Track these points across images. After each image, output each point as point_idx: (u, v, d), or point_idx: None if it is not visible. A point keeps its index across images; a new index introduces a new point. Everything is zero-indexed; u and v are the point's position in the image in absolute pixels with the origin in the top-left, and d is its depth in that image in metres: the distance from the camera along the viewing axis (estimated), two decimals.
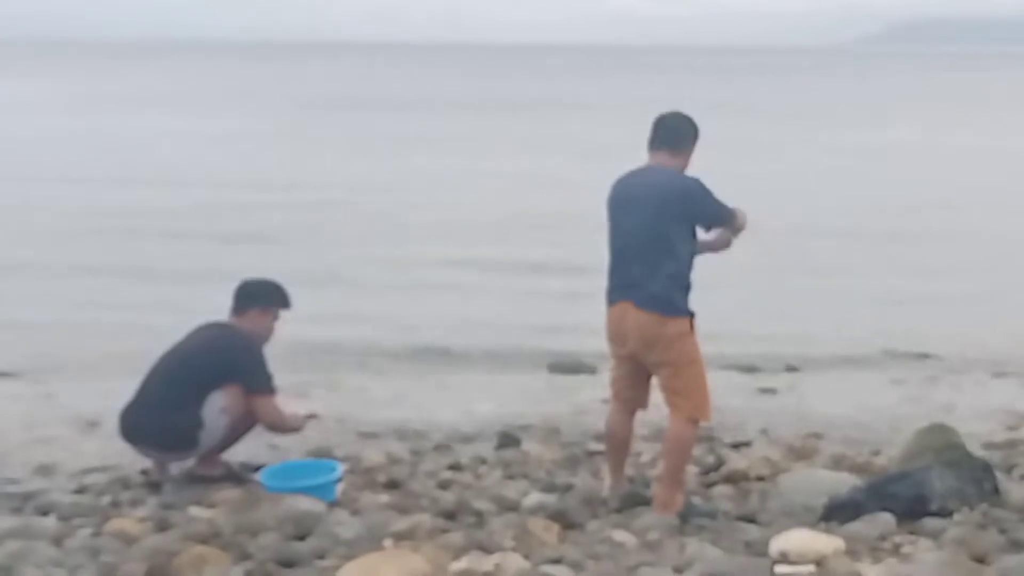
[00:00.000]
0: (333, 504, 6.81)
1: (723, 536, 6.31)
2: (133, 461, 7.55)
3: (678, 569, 5.72)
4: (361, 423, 9.00)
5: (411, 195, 22.53)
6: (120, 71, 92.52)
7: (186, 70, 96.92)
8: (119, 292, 13.87)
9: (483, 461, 8.09)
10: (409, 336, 11.72)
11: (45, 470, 7.81)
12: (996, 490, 6.75)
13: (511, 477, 7.66)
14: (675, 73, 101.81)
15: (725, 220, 6.75)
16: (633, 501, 6.88)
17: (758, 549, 6.02)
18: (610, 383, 7.07)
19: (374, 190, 23.03)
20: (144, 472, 7.52)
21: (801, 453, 8.21)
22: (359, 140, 34.77)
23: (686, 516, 6.61)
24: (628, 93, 50.89)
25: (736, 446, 8.49)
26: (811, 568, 5.72)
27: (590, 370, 10.37)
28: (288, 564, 5.85)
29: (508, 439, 8.52)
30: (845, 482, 7.02)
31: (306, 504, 6.56)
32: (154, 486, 7.33)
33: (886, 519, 6.38)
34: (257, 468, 7.34)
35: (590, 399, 9.42)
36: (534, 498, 7.00)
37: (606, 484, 7.07)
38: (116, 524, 6.47)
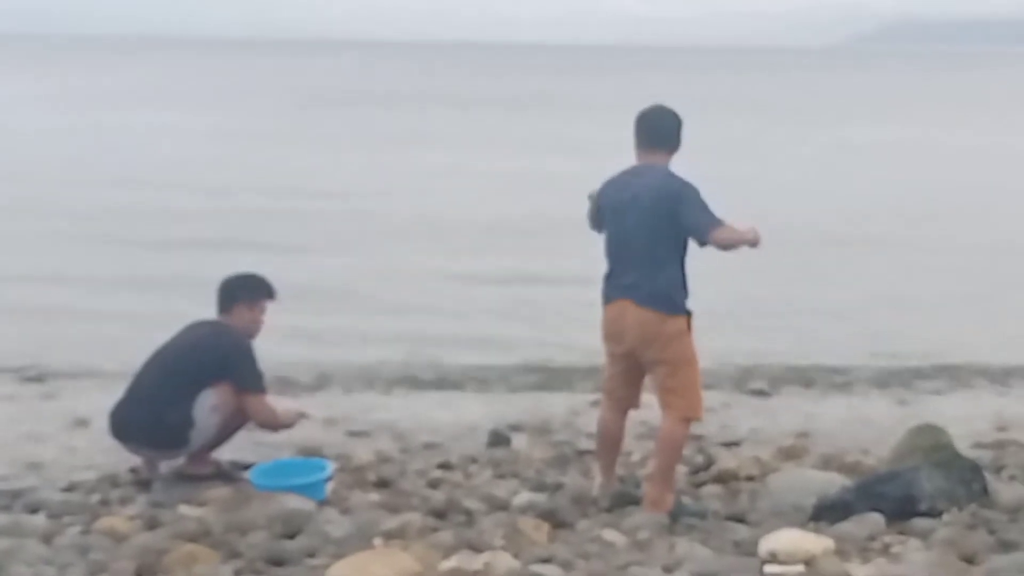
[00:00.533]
0: (323, 503, 6.81)
1: (712, 536, 6.32)
2: (123, 459, 7.54)
3: (668, 568, 5.72)
4: (351, 422, 9.00)
5: (403, 195, 22.45)
6: (114, 67, 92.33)
7: (181, 67, 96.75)
8: (109, 291, 13.83)
9: (473, 460, 8.09)
10: (400, 340, 11.67)
11: (35, 468, 7.80)
12: (985, 490, 6.76)
13: (501, 476, 7.67)
14: (670, 72, 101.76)
15: (701, 230, 6.52)
16: (623, 500, 6.89)
17: (747, 549, 6.03)
18: (602, 382, 7.07)
19: (366, 190, 22.95)
20: (134, 470, 7.51)
21: (790, 453, 8.22)
22: (353, 138, 34.72)
23: (676, 515, 6.61)
24: (624, 92, 50.83)
25: (726, 446, 8.51)
26: (800, 568, 5.73)
27: (581, 370, 10.36)
28: (278, 563, 5.84)
29: (498, 438, 8.52)
30: (834, 482, 7.03)
31: (296, 503, 6.56)
32: (144, 484, 7.32)
33: (875, 519, 6.39)
34: (247, 466, 7.33)
35: (580, 399, 9.43)
36: (524, 497, 7.00)
37: (596, 483, 7.07)
38: (106, 522, 6.47)
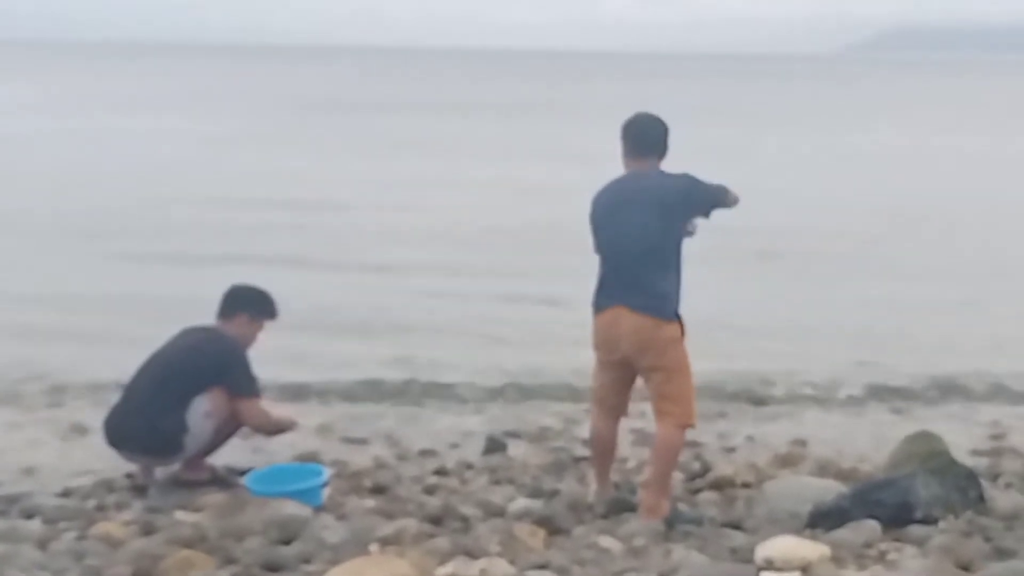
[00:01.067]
0: (319, 509, 6.80)
1: (709, 542, 6.31)
2: (118, 465, 7.53)
3: (664, 575, 5.72)
4: (347, 429, 8.99)
5: (397, 202, 22.43)
6: (109, 73, 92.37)
7: (179, 72, 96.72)
8: (103, 296, 13.81)
9: (469, 466, 8.10)
10: (393, 349, 11.67)
11: (30, 473, 7.80)
12: (981, 498, 6.76)
13: (497, 482, 7.67)
14: (667, 79, 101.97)
15: (721, 201, 6.70)
16: (619, 507, 6.89)
17: (744, 555, 6.02)
18: (592, 390, 7.04)
19: (358, 197, 22.91)
20: (129, 476, 7.51)
21: (787, 460, 8.22)
22: (348, 143, 34.69)
23: (672, 522, 6.61)
24: (618, 98, 50.91)
25: (722, 452, 8.51)
26: (796, 575, 5.72)
27: (575, 378, 10.35)
28: (274, 568, 5.83)
29: (494, 444, 8.52)
30: (831, 489, 7.02)
31: (292, 508, 6.55)
32: (139, 490, 7.32)
33: (871, 526, 6.38)
34: (243, 472, 7.33)
35: (576, 406, 9.43)
36: (520, 503, 7.00)
37: (592, 490, 7.08)
38: (101, 528, 6.46)
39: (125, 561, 5.85)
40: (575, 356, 10.09)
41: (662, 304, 6.61)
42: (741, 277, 14.16)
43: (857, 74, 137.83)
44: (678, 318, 6.66)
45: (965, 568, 5.85)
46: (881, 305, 14.06)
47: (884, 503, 6.55)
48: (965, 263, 17.15)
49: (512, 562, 5.81)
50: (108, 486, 7.42)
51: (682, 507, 6.92)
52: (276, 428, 7.53)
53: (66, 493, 7.36)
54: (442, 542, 6.09)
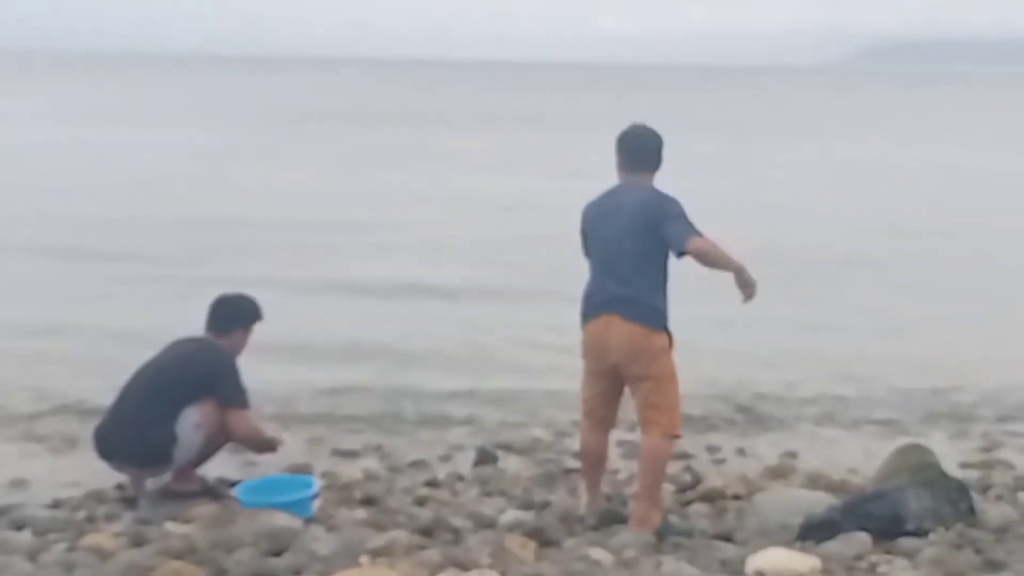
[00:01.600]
0: (310, 520, 6.79)
1: (699, 554, 6.31)
2: (109, 476, 7.52)
3: None
4: (337, 441, 8.98)
5: (384, 214, 22.42)
6: (101, 84, 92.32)
7: (170, 83, 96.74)
8: (95, 307, 13.80)
9: (460, 478, 8.09)
10: (383, 359, 11.66)
11: (20, 484, 7.78)
12: (972, 510, 6.77)
13: (488, 494, 7.67)
14: (660, 91, 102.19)
15: (674, 239, 6.45)
16: (610, 519, 6.89)
17: (734, 567, 6.03)
18: (582, 402, 7.03)
19: (346, 209, 22.90)
20: (119, 487, 7.49)
21: (777, 472, 8.23)
22: (339, 155, 34.66)
23: (663, 534, 6.60)
24: (612, 111, 51.00)
25: (713, 464, 8.52)
26: None
27: (566, 389, 10.36)
28: None
29: (485, 456, 8.52)
30: (821, 501, 7.03)
31: (282, 520, 6.54)
32: (129, 501, 7.30)
33: (862, 538, 6.39)
34: (234, 483, 7.32)
35: (566, 417, 9.43)
36: (511, 515, 7.00)
37: (583, 501, 7.08)
38: (91, 539, 6.45)
39: (115, 573, 5.84)
40: (565, 368, 10.10)
41: (653, 315, 6.61)
42: (730, 289, 14.13)
43: (850, 86, 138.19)
44: (667, 329, 6.67)
45: None
46: (872, 318, 14.08)
47: (875, 515, 6.56)
48: (957, 277, 17.16)
49: (503, 574, 5.82)
50: (98, 497, 7.41)
51: (673, 519, 6.92)
52: (264, 443, 7.52)
53: (56, 504, 7.34)
54: (433, 554, 6.08)
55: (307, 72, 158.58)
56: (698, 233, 6.45)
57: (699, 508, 7.35)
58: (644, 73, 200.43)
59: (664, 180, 6.79)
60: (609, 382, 6.80)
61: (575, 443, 8.08)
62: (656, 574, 5.94)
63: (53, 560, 6.15)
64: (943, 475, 6.96)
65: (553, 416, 9.74)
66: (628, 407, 6.94)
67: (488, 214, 22.78)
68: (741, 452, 8.93)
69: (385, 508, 7.22)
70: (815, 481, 7.88)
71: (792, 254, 18.16)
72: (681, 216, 6.52)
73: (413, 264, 17.33)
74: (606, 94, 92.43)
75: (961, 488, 6.87)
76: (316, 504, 7.02)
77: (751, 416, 10.04)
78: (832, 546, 6.31)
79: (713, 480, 7.82)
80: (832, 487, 7.66)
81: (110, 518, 7.02)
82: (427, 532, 6.64)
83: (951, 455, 8.35)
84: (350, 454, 8.66)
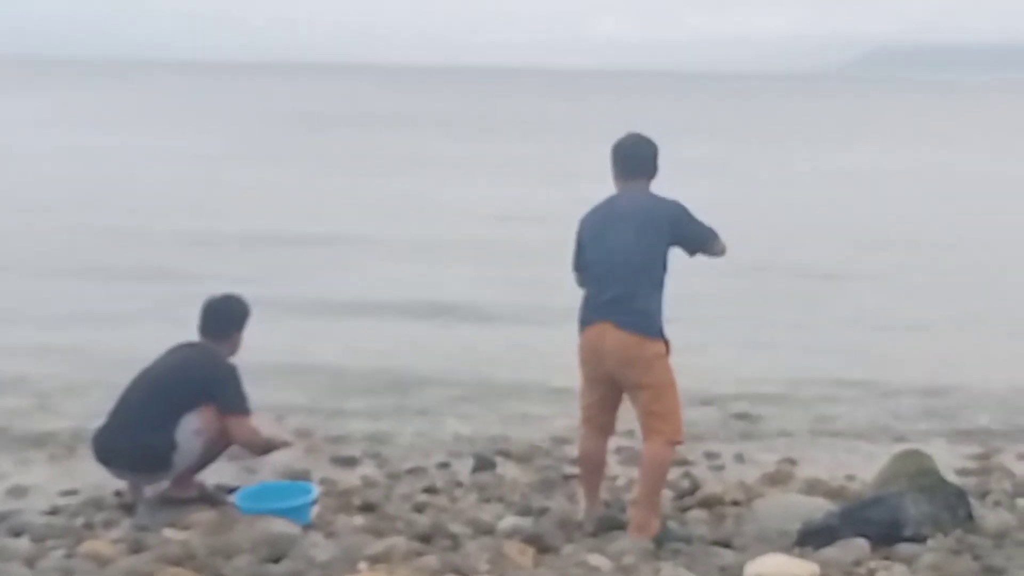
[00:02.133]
0: (308, 526, 6.78)
1: (698, 561, 6.31)
2: (107, 483, 7.52)
3: None
4: (336, 447, 8.98)
5: (381, 218, 22.41)
6: (101, 90, 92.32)
7: (169, 90, 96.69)
8: (93, 312, 13.79)
9: (458, 484, 8.09)
10: (382, 365, 11.65)
11: (18, 491, 7.77)
12: (970, 516, 6.77)
13: (486, 500, 7.67)
14: (657, 98, 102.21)
15: (708, 243, 6.74)
16: (608, 525, 6.88)
17: (733, 573, 6.03)
18: (581, 409, 7.02)
19: (342, 214, 22.87)
20: (118, 494, 7.49)
21: (776, 478, 8.23)
22: (334, 162, 34.65)
23: (661, 540, 6.60)
24: (608, 117, 50.97)
25: (712, 471, 8.52)
26: None
27: (563, 396, 10.35)
28: None
29: (484, 462, 8.52)
30: (820, 507, 7.03)
31: (281, 526, 6.54)
32: (128, 508, 7.29)
33: (860, 544, 6.39)
34: (232, 490, 7.31)
35: (565, 423, 9.43)
36: (509, 521, 7.00)
37: (581, 508, 7.07)
38: (89, 546, 6.44)
39: None
40: (563, 374, 10.10)
41: (648, 322, 6.61)
42: (728, 295, 14.15)
43: (845, 93, 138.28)
44: (663, 336, 6.67)
45: None
46: (869, 323, 14.08)
47: (873, 521, 6.56)
48: (954, 281, 17.18)
49: None
50: (97, 504, 7.40)
51: (671, 525, 6.91)
52: (267, 446, 7.51)
53: (54, 511, 7.34)
54: (431, 560, 6.08)
55: (307, 78, 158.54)
56: (715, 236, 6.72)
57: (698, 514, 7.35)
58: (643, 79, 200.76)
59: (659, 186, 6.80)
60: (607, 389, 6.80)
61: (574, 449, 8.08)
62: None
63: (51, 567, 6.14)
64: (941, 481, 6.96)
65: (551, 423, 9.74)
66: (626, 414, 6.94)
67: (487, 223, 22.74)
68: (740, 458, 8.93)
69: (383, 514, 7.21)
70: (814, 487, 7.88)
71: (789, 258, 18.17)
72: (693, 216, 6.67)
73: (409, 274, 17.29)
74: (605, 100, 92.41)
75: (959, 494, 6.87)
76: (314, 510, 7.01)
77: (750, 422, 10.04)
78: (831, 552, 6.31)
79: (712, 486, 7.82)
80: (831, 493, 7.66)
81: (108, 524, 7.01)
82: (425, 538, 6.63)
83: (949, 461, 8.35)
84: (348, 461, 8.65)
